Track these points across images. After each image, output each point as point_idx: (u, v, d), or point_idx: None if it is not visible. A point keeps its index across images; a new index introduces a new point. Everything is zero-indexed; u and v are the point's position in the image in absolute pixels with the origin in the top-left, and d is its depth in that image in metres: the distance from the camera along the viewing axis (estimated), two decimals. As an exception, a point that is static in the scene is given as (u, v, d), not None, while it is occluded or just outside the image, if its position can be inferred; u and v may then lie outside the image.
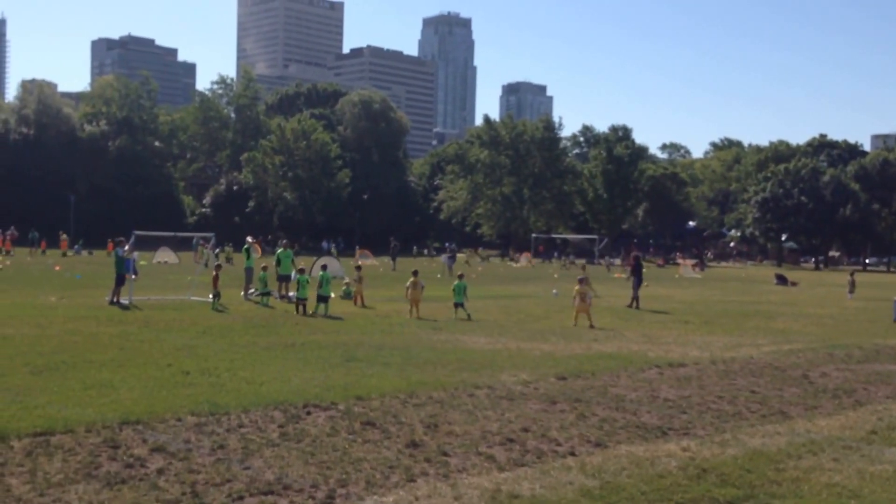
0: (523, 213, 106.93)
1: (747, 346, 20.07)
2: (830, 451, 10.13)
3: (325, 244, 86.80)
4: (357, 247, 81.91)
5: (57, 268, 46.50)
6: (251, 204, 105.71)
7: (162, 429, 10.19)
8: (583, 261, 74.67)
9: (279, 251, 32.10)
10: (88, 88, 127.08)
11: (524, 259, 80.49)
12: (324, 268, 27.37)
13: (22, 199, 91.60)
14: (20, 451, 9.02)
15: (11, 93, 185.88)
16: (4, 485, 7.97)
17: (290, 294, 29.81)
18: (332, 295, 27.59)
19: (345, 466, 8.90)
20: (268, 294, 28.77)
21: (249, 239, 35.66)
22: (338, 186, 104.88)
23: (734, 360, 17.75)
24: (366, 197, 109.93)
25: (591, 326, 23.49)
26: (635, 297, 30.95)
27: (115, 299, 26.21)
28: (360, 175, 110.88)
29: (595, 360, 17.05)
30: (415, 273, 26.40)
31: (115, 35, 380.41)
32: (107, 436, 9.74)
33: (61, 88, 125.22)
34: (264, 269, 30.04)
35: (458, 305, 25.73)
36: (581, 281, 25.33)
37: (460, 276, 27.41)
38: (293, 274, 28.77)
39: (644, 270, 33.92)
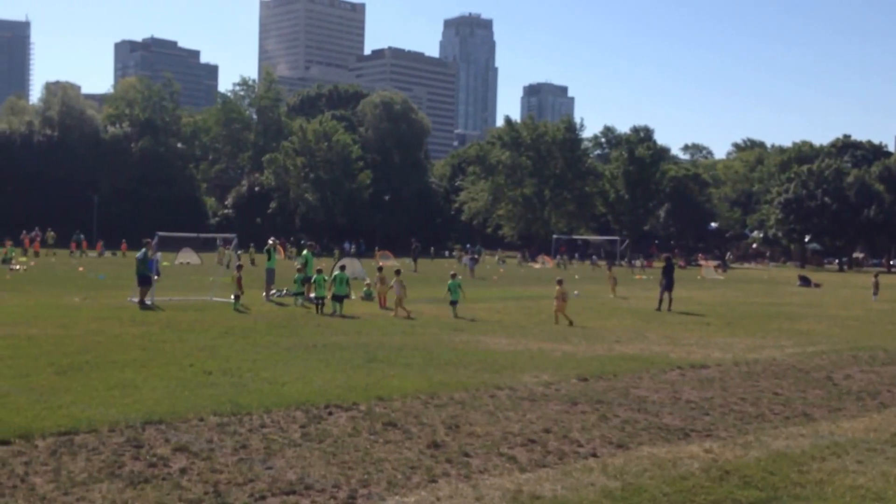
0: (544, 215, 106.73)
1: (770, 348, 19.94)
2: (854, 454, 10.05)
3: (346, 245, 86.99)
4: (376, 248, 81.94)
5: (81, 269, 46.87)
6: (273, 205, 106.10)
7: (184, 428, 10.24)
8: (604, 261, 74.52)
9: (304, 252, 32.31)
10: (111, 90, 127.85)
11: (540, 261, 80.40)
12: (341, 268, 27.59)
13: (45, 200, 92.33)
14: (44, 451, 9.09)
15: (36, 95, 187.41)
16: (29, 483, 8.04)
17: (311, 295, 29.98)
18: (353, 296, 27.70)
19: (366, 467, 8.91)
20: (300, 294, 28.73)
21: (271, 240, 35.83)
22: (359, 188, 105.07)
23: (757, 361, 17.64)
24: (387, 198, 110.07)
25: (569, 323, 24.25)
26: (666, 299, 30.35)
27: (144, 300, 26.27)
28: (382, 176, 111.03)
29: (617, 361, 17.00)
30: (397, 272, 27.74)
31: (138, 37, 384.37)
32: (130, 435, 9.80)
33: (85, 90, 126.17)
34: (300, 270, 29.92)
35: (453, 303, 26.24)
36: (560, 282, 25.99)
37: (453, 276, 27.80)
38: (313, 275, 28.92)
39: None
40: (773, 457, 9.78)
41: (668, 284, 30.76)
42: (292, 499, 7.89)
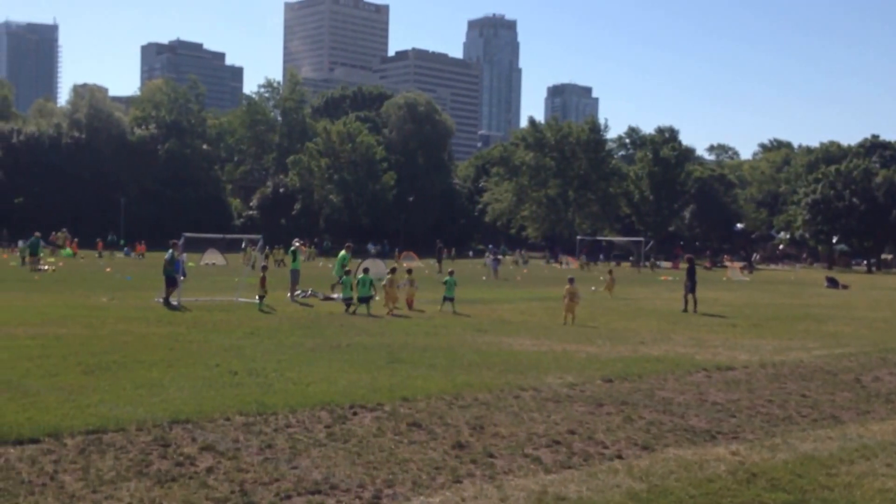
0: (568, 216, 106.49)
1: (797, 350, 19.78)
2: (883, 457, 9.94)
3: (370, 246, 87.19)
4: (396, 249, 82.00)
5: (108, 269, 47.25)
6: (297, 206, 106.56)
7: (211, 428, 10.30)
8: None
9: (342, 253, 32.60)
10: (138, 93, 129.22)
11: (564, 262, 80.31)
12: (365, 271, 27.80)
13: (73, 201, 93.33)
14: (73, 449, 9.17)
15: (64, 97, 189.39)
16: (58, 482, 8.11)
17: (335, 295, 30.31)
18: (377, 297, 27.82)
19: (391, 467, 8.93)
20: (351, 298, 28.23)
21: (296, 242, 36.06)
22: (383, 189, 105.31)
23: (784, 363, 17.50)
24: (411, 199, 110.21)
25: (565, 323, 24.33)
26: (691, 301, 30.20)
27: (170, 300, 26.44)
28: (405, 177, 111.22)
29: (642, 362, 16.92)
30: (392, 271, 28.75)
31: (165, 40, 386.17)
32: (157, 434, 9.87)
33: (112, 93, 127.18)
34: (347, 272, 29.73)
35: (447, 300, 27.00)
36: (570, 281, 26.02)
37: (450, 273, 28.30)
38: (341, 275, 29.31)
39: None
40: (800, 459, 9.71)
41: (691, 286, 30.59)
42: (317, 498, 7.91)
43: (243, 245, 60.11)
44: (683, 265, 45.35)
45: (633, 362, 16.89)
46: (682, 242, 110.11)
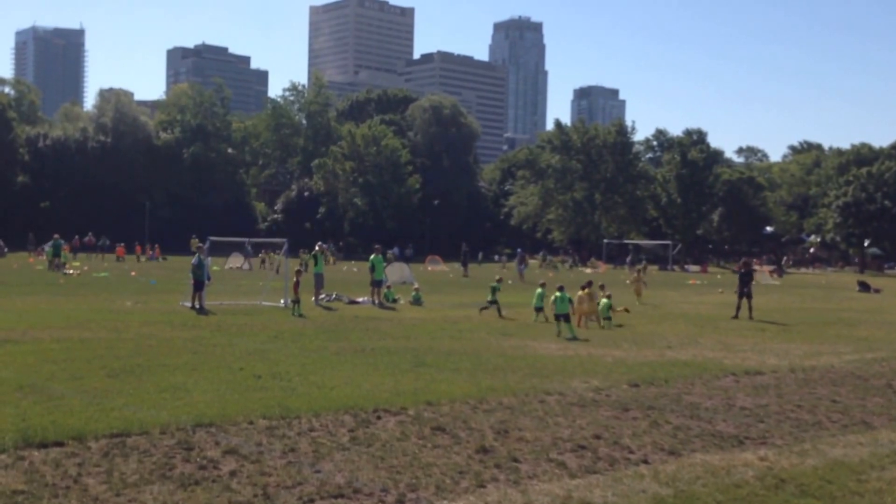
0: (595, 219, 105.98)
1: (828, 355, 19.52)
2: (916, 463, 9.76)
3: (395, 250, 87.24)
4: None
5: (133, 273, 47.56)
6: (322, 210, 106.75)
7: (234, 431, 10.29)
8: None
9: (372, 257, 32.60)
10: (164, 97, 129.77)
11: (591, 265, 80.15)
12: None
13: (99, 205, 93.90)
14: (97, 452, 9.19)
15: (90, 101, 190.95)
16: (82, 484, 8.13)
17: (361, 299, 30.49)
18: (402, 300, 27.95)
19: (415, 471, 8.88)
20: (495, 302, 27.51)
21: (318, 245, 36.14)
22: (408, 192, 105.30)
23: (814, 368, 17.28)
24: (436, 202, 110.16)
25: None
26: (744, 307, 28.95)
27: (195, 304, 26.62)
28: (431, 181, 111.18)
29: (669, 367, 16.76)
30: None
31: (190, 44, 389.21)
32: (181, 438, 9.88)
33: (137, 97, 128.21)
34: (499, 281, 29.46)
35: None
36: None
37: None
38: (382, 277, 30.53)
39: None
40: (830, 465, 9.56)
41: (746, 291, 29.37)
42: (340, 502, 7.88)
43: (247, 245, 59.81)
44: (713, 268, 44.59)
45: (660, 367, 16.75)
46: (710, 245, 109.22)
